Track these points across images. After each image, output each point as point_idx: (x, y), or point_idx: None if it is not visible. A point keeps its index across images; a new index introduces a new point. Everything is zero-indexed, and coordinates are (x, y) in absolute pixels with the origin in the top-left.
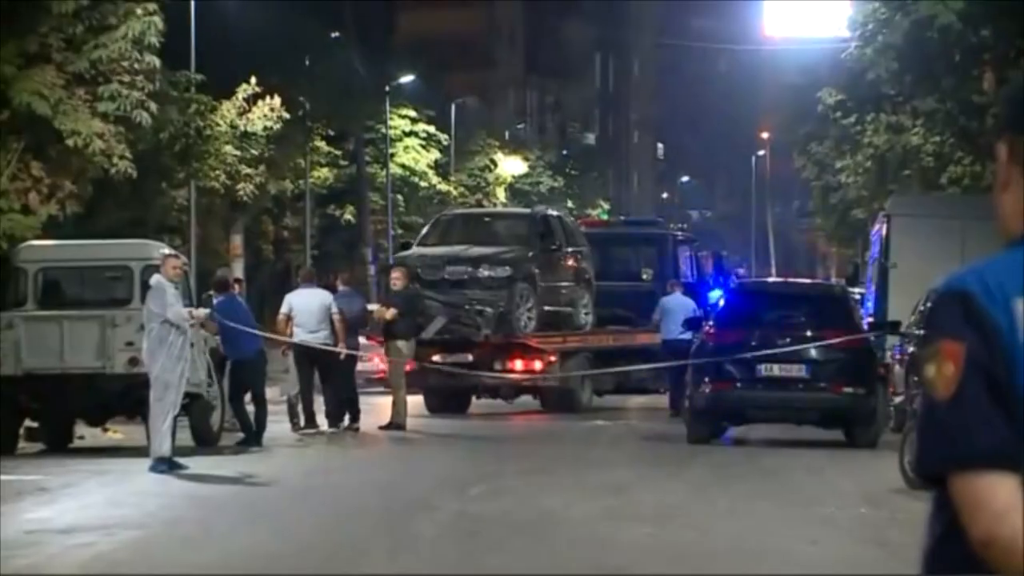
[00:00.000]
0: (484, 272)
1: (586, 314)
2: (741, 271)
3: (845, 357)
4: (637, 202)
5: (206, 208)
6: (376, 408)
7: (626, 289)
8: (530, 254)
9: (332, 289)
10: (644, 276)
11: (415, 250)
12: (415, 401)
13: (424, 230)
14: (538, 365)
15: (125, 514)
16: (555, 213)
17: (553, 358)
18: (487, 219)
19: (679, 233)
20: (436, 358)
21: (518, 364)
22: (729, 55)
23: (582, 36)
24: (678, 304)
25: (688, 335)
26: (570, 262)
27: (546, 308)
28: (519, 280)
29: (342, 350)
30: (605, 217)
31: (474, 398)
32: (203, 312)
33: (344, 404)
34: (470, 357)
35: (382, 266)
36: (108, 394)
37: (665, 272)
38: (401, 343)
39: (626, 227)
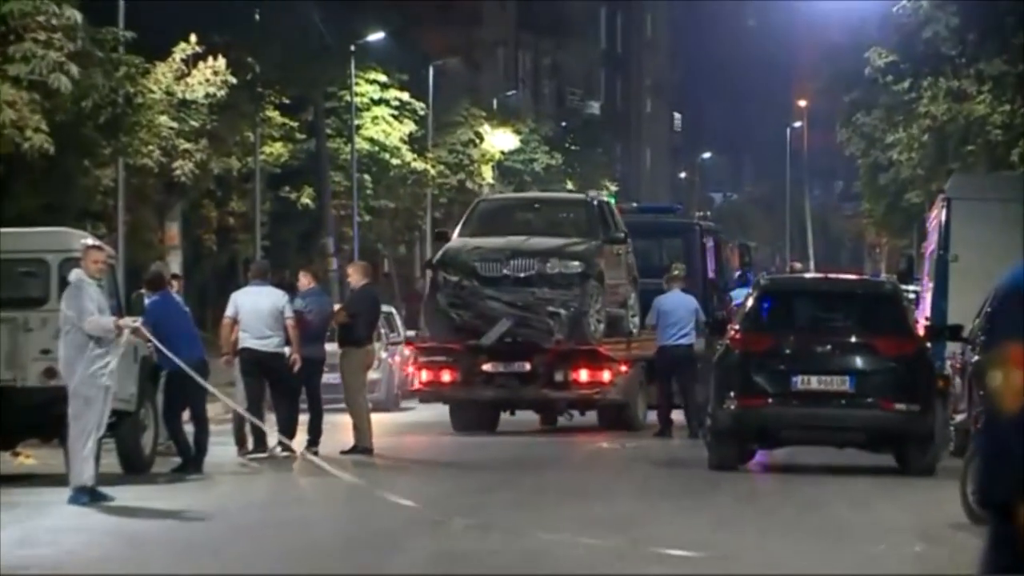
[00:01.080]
0: (554, 267)
1: (633, 316)
2: (798, 264)
3: (897, 367)
4: (650, 183)
5: (137, 190)
6: (339, 428)
7: (653, 288)
8: (597, 246)
9: (287, 287)
10: (675, 272)
11: (462, 241)
12: (431, 418)
13: (463, 219)
14: (606, 376)
15: (40, 554)
16: (606, 199)
17: (624, 368)
18: (537, 206)
19: (705, 222)
20: (487, 367)
21: (583, 375)
22: (759, 9)
23: None
24: (677, 304)
25: (689, 340)
26: (623, 256)
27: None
28: (592, 277)
29: (297, 360)
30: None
31: (506, 413)
32: (132, 322)
33: (314, 422)
34: (528, 366)
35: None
36: (19, 412)
37: (694, 268)
38: (357, 351)
39: (644, 215)
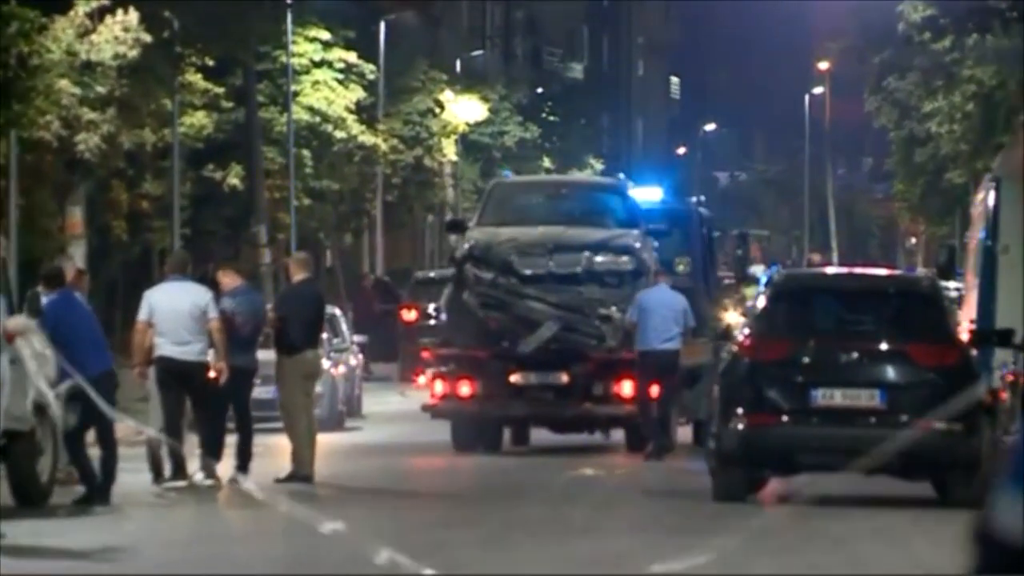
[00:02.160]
0: (603, 263)
1: None
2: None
3: (936, 380)
4: (643, 160)
5: (32, 169)
6: (274, 451)
7: None
8: (643, 238)
9: (211, 283)
10: (680, 267)
11: (489, 232)
12: (383, 439)
13: (481, 205)
14: (654, 390)
15: None
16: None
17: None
18: (565, 191)
19: (703, 209)
20: (516, 379)
21: (626, 387)
22: None
23: None
24: (662, 302)
25: (675, 345)
26: (652, 251)
27: None
28: (644, 273)
29: (221, 369)
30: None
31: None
32: (22, 321)
33: (243, 444)
34: (565, 378)
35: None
36: None
37: (698, 263)
38: (290, 360)
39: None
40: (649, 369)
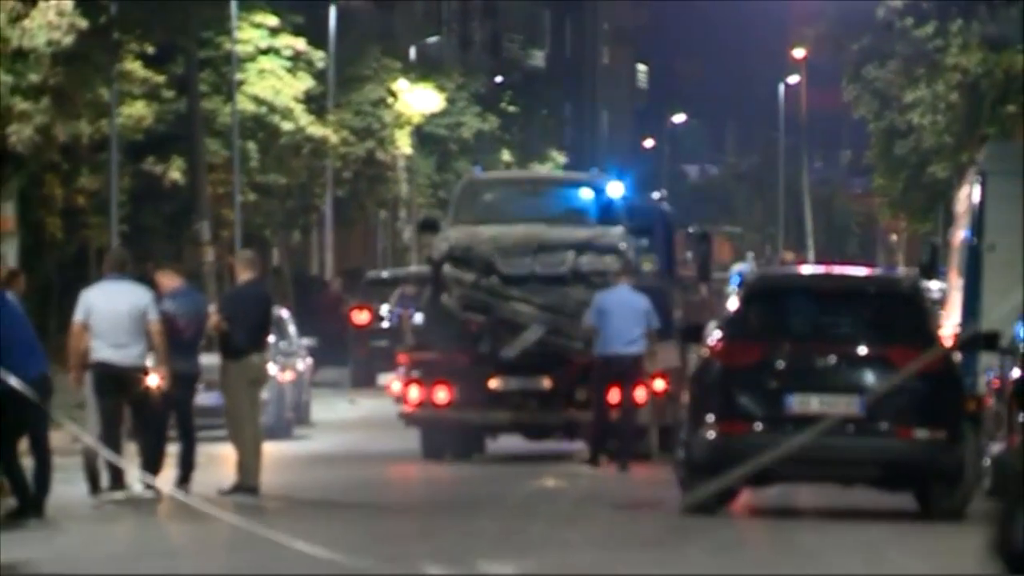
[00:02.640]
0: (589, 263)
1: None
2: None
3: (918, 386)
4: (608, 153)
5: None
6: (218, 461)
7: None
8: (625, 237)
9: (150, 283)
10: (646, 266)
11: (468, 231)
12: (332, 448)
13: (455, 203)
14: (640, 395)
15: None
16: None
17: (665, 384)
18: (543, 187)
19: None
20: (496, 384)
21: (611, 394)
22: None
23: None
24: (622, 303)
25: (637, 349)
26: (635, 250)
27: None
28: (630, 274)
29: (161, 376)
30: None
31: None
32: None
33: (185, 454)
34: (548, 383)
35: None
36: None
37: (666, 263)
38: (235, 365)
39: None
40: (609, 375)
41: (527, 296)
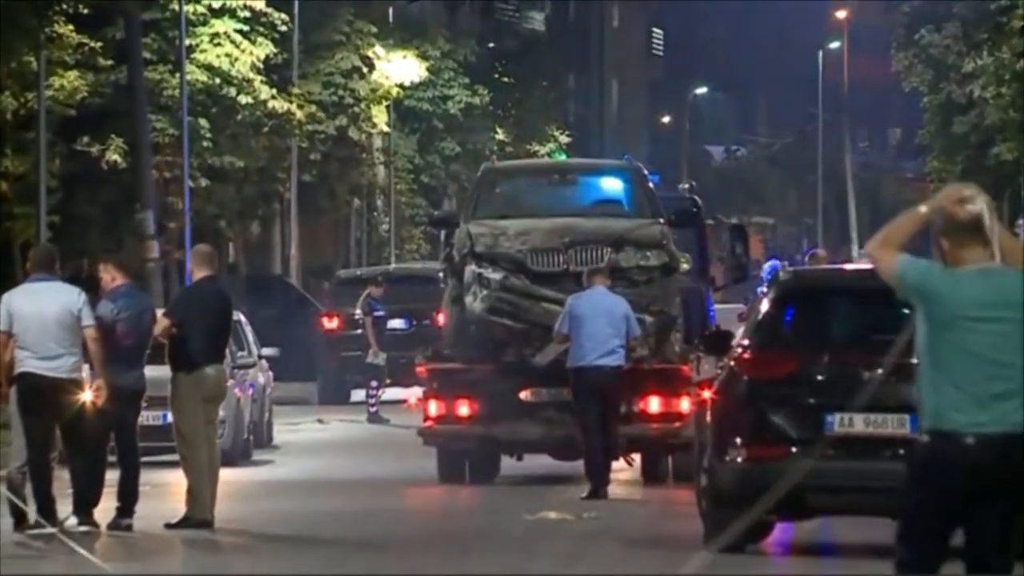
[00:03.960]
0: (629, 259)
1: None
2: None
3: None
4: (618, 131)
5: None
6: (165, 489)
7: None
8: (666, 230)
9: (86, 284)
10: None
11: (490, 225)
12: (299, 474)
13: (474, 194)
14: (686, 406)
15: None
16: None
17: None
18: (572, 176)
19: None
20: (527, 395)
21: (653, 404)
22: None
23: None
24: (599, 307)
25: (616, 360)
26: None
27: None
28: (675, 270)
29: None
30: (561, 157)
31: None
32: None
33: (127, 482)
34: None
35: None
36: None
37: (699, 262)
38: (188, 378)
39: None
40: (587, 390)
41: (560, 296)
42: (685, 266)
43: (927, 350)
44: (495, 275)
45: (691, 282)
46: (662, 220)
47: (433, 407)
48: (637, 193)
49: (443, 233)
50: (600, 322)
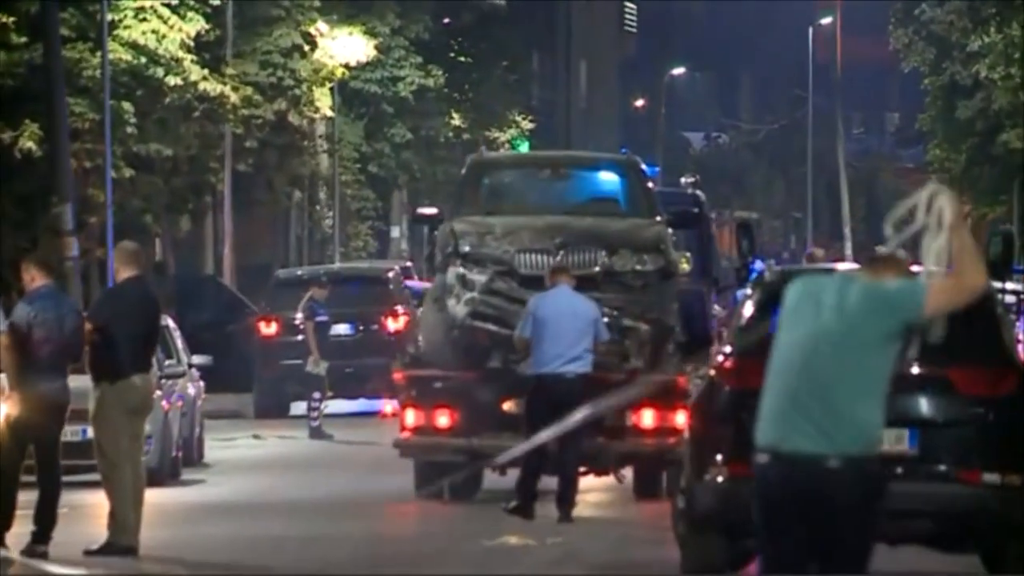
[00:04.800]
0: (624, 262)
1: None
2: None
3: (985, 416)
4: (586, 117)
5: None
6: (85, 512)
7: None
8: (665, 231)
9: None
10: (682, 266)
11: (476, 223)
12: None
13: (458, 191)
14: (681, 420)
15: None
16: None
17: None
18: (565, 170)
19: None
20: (511, 406)
21: (647, 417)
22: None
23: None
24: (565, 309)
25: (581, 367)
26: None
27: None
28: (673, 275)
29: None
30: (522, 148)
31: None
32: None
33: (45, 504)
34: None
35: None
36: None
37: (702, 262)
38: (112, 388)
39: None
40: (545, 400)
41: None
42: (685, 267)
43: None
44: (480, 277)
45: (692, 283)
46: (660, 220)
47: (410, 417)
48: (634, 190)
49: (426, 229)
50: (563, 326)
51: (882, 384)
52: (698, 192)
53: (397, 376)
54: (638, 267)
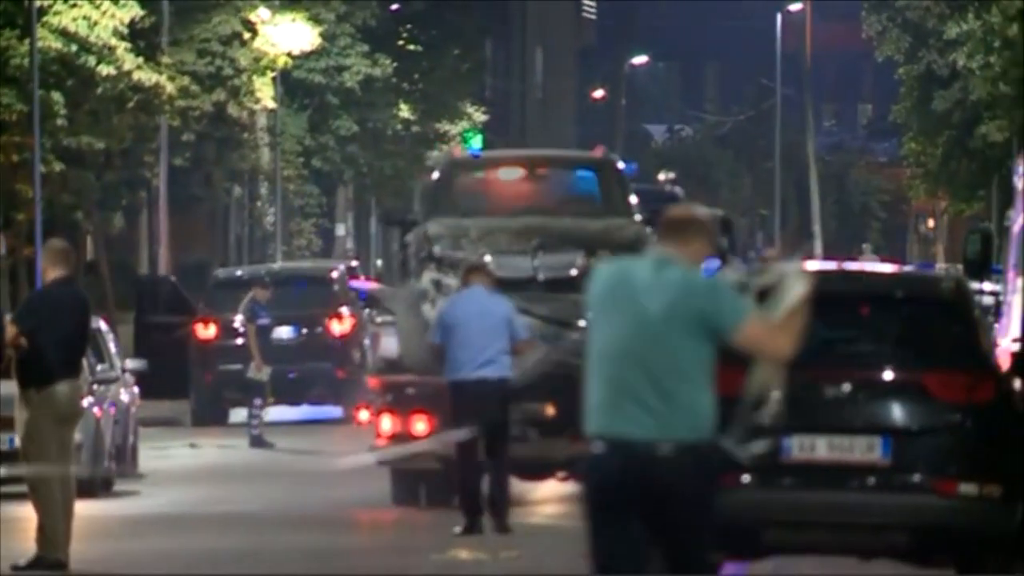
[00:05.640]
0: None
1: None
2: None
3: (962, 423)
4: (542, 109)
5: None
6: (11, 525)
7: None
8: (643, 231)
9: None
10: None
11: (451, 224)
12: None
13: (433, 190)
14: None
15: None
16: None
17: None
18: (543, 169)
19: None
20: None
21: None
22: None
23: None
24: (476, 310)
25: (499, 371)
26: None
27: None
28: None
29: None
30: (476, 145)
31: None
32: None
33: None
34: (551, 410)
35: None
36: None
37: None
38: (40, 395)
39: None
40: (465, 408)
41: (528, 305)
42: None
43: None
44: (454, 281)
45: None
46: (639, 219)
47: (386, 423)
48: (612, 189)
49: (399, 232)
50: (472, 328)
51: (708, 371)
52: (676, 189)
53: (372, 382)
54: None
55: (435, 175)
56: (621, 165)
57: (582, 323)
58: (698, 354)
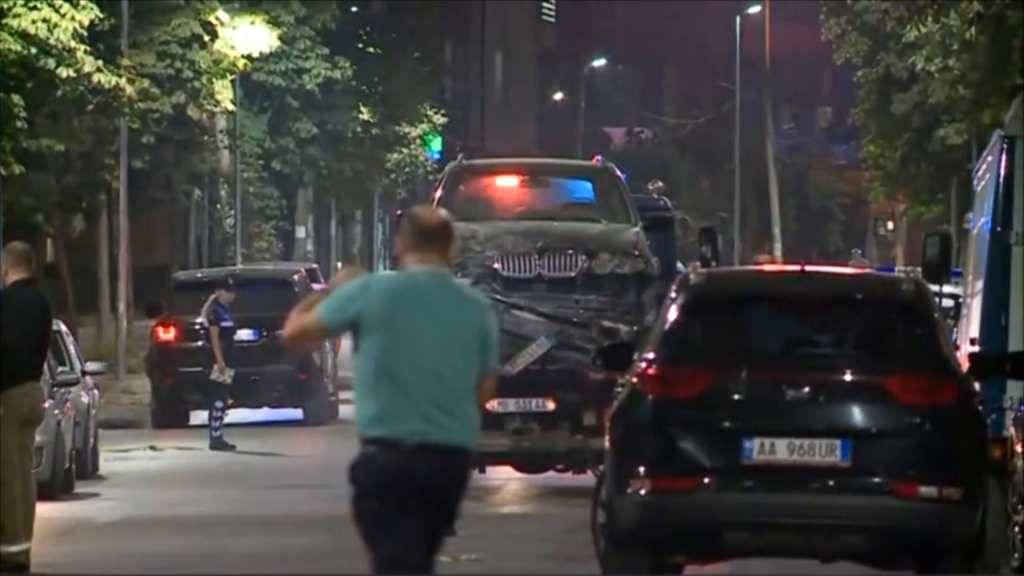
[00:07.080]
0: (603, 265)
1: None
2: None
3: (922, 425)
4: (502, 112)
5: None
6: None
7: None
8: (642, 235)
9: None
10: None
11: (460, 227)
12: (134, 508)
13: (441, 196)
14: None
15: None
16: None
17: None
18: (544, 176)
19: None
20: (492, 405)
21: None
22: None
23: None
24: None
25: None
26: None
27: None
28: (653, 278)
29: None
30: (434, 147)
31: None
32: None
33: None
34: (552, 404)
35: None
36: None
37: (670, 269)
38: (3, 397)
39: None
40: None
41: (531, 304)
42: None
43: None
44: (464, 282)
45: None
46: (637, 225)
47: None
48: (611, 196)
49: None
50: None
51: (475, 382)
52: (664, 198)
53: None
54: (616, 270)
55: (443, 180)
56: (620, 174)
57: (585, 320)
58: (474, 366)
